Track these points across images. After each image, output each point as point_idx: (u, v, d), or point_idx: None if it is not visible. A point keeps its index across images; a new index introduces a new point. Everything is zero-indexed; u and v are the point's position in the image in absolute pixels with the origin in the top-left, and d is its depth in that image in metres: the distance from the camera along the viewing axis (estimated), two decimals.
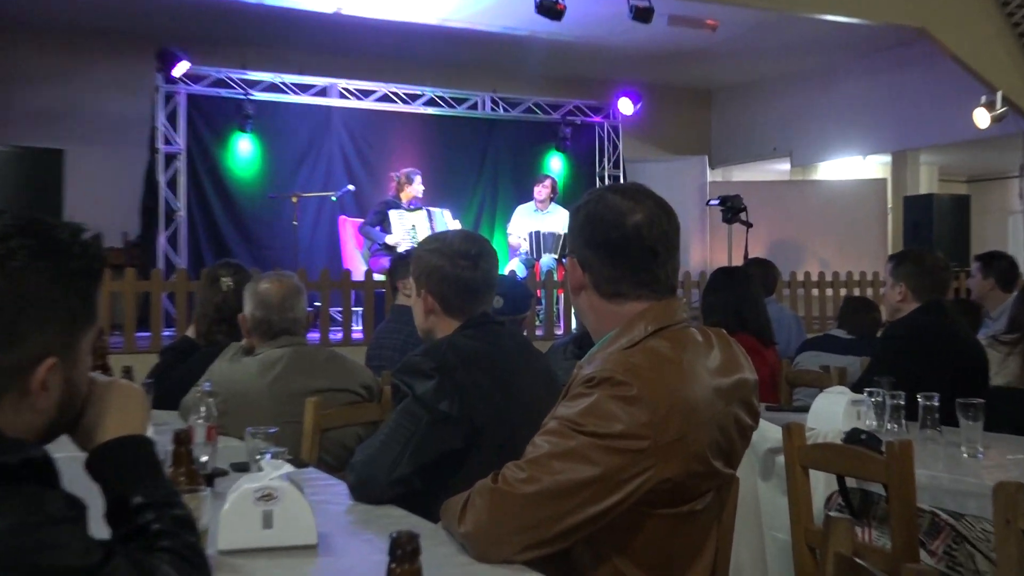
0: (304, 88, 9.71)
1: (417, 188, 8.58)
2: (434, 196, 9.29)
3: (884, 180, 12.09)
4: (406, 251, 6.03)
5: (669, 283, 1.96)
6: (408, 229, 8.38)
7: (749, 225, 9.28)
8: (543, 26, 8.35)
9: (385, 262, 7.64)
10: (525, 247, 9.02)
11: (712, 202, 9.72)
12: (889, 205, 11.86)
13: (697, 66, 11.71)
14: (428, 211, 8.64)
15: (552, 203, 9.36)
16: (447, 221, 8.64)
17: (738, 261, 8.85)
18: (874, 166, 12.80)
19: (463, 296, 2.51)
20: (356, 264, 8.80)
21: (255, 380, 3.20)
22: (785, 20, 9.57)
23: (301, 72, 9.81)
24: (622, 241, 1.91)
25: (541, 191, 9.28)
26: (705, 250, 11.55)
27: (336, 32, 9.63)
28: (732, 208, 9.39)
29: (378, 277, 7.73)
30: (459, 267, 2.51)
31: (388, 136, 10.24)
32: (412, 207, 8.62)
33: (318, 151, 9.97)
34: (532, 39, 9.93)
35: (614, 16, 8.69)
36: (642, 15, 8.28)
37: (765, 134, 12.92)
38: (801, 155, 12.68)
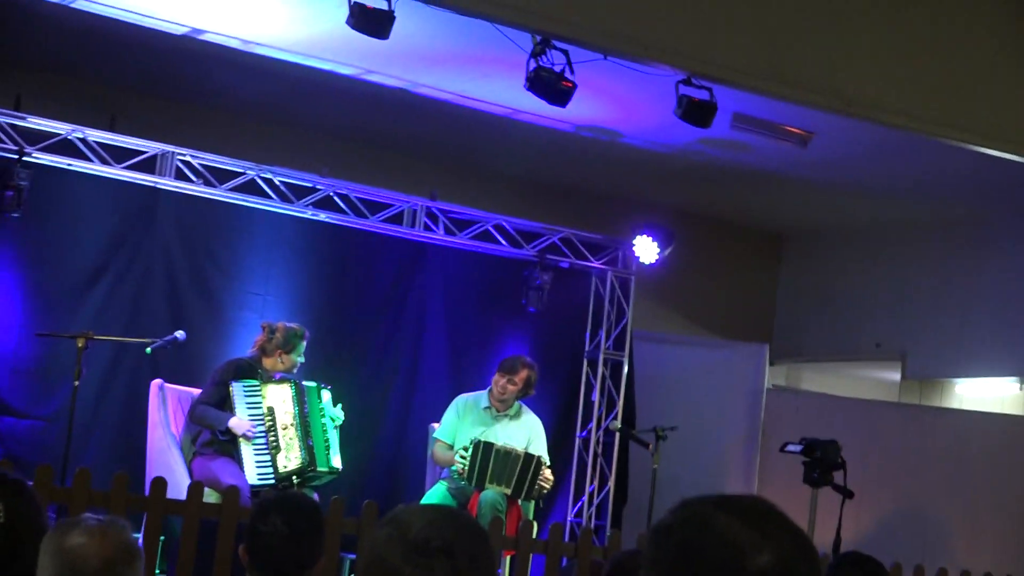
0: (118, 154, 7.95)
1: (297, 359, 7.40)
2: (311, 361, 7.87)
3: None
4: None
5: None
6: (260, 413, 7.17)
7: (849, 496, 7.41)
8: (530, 104, 7.47)
9: (222, 467, 6.85)
10: (460, 464, 7.45)
11: (791, 447, 7.87)
12: None
13: (764, 196, 10.32)
14: (299, 386, 7.34)
15: (520, 405, 7.87)
16: (326, 405, 7.44)
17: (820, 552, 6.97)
18: None
19: None
20: (170, 467, 7.22)
21: None
22: (911, 145, 8.14)
23: (113, 125, 8.28)
24: None
25: (507, 386, 7.70)
26: None
27: (186, 65, 8.34)
28: (823, 462, 7.48)
29: (208, 493, 6.56)
30: (411, 566, 1.95)
31: (248, 249, 8.70)
32: (273, 378, 7.36)
33: (128, 263, 8.34)
34: (508, 122, 8.85)
35: (648, 104, 7.99)
36: (697, 113, 6.97)
37: (864, 320, 11.14)
38: (921, 363, 10.83)
